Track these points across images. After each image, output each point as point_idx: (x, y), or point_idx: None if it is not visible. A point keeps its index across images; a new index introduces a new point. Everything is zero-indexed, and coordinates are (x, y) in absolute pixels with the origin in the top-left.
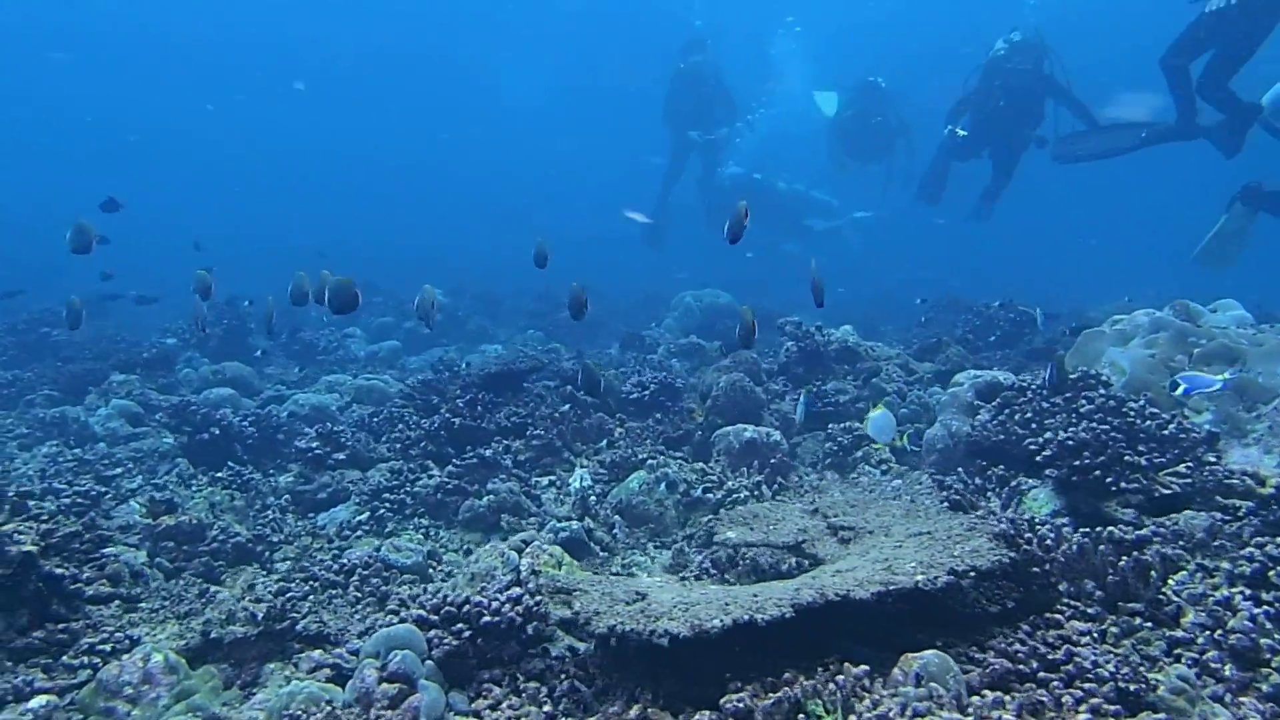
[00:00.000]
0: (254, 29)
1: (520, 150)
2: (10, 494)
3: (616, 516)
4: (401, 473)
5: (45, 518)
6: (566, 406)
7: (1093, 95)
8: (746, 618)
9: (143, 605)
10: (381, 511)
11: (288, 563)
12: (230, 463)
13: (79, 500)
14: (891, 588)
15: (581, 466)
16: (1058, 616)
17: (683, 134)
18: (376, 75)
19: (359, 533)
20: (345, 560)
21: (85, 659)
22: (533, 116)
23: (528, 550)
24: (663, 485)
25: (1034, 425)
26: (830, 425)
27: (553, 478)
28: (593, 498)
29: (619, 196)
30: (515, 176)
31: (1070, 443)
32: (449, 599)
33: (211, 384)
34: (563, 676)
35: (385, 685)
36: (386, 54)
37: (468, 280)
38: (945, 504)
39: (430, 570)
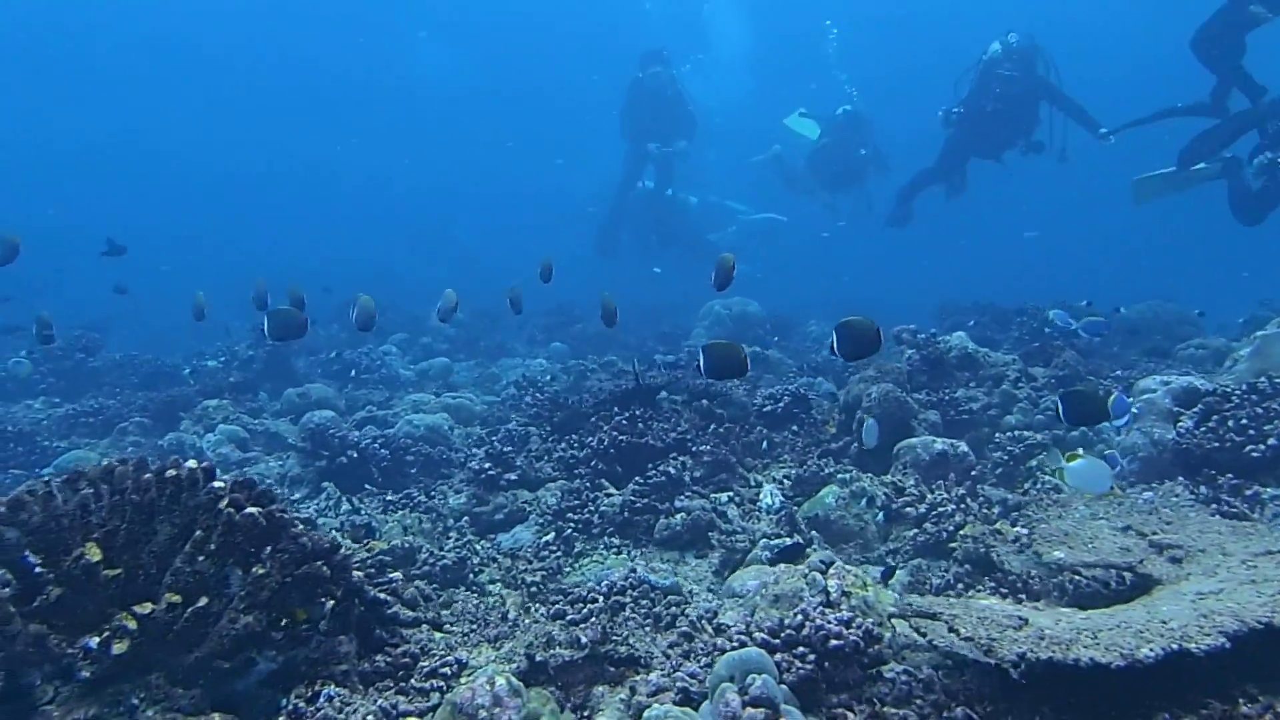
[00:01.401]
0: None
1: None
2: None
3: (814, 533)
4: (579, 492)
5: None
6: (728, 424)
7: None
8: (1176, 646)
9: (452, 629)
10: (569, 532)
11: (496, 584)
12: (367, 485)
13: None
14: None
15: (770, 482)
16: None
17: (640, 145)
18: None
19: (557, 553)
20: (609, 581)
21: (430, 683)
22: (454, 114)
23: (832, 572)
24: (862, 500)
25: (1252, 431)
26: (997, 435)
27: (730, 494)
28: (796, 514)
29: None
30: (429, 181)
31: None
32: (787, 622)
33: (299, 407)
34: (920, 702)
35: (751, 710)
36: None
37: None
38: (1216, 515)
39: (682, 590)
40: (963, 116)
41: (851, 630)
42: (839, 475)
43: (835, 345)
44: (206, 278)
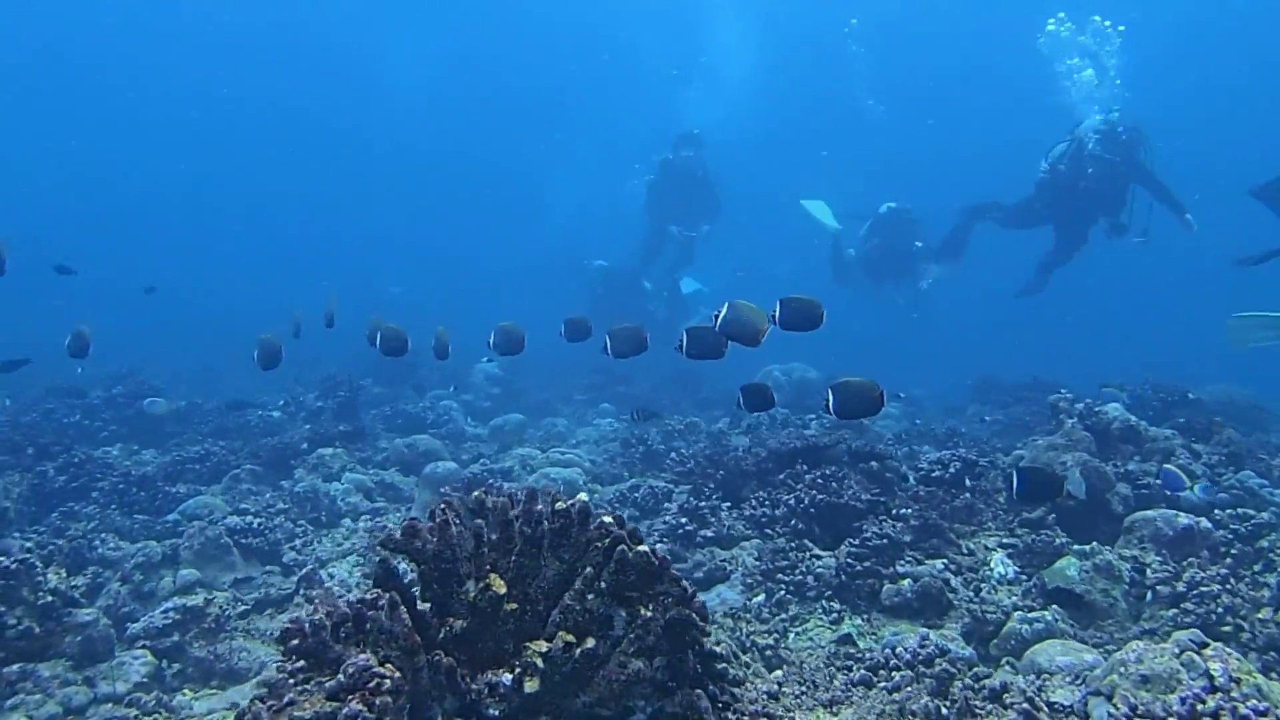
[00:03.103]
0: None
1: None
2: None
3: (1055, 607)
4: (785, 552)
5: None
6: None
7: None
8: None
9: (783, 690)
10: (780, 594)
11: (721, 645)
12: None
13: None
14: None
15: (998, 550)
16: None
17: (662, 226)
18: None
19: (780, 615)
20: (908, 648)
21: None
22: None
23: (1212, 652)
24: (1111, 574)
25: None
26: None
27: (945, 561)
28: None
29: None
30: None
31: None
32: (1181, 707)
33: (408, 459)
34: None
35: None
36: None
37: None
38: None
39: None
40: (1052, 185)
41: None
42: (1074, 546)
43: (831, 404)
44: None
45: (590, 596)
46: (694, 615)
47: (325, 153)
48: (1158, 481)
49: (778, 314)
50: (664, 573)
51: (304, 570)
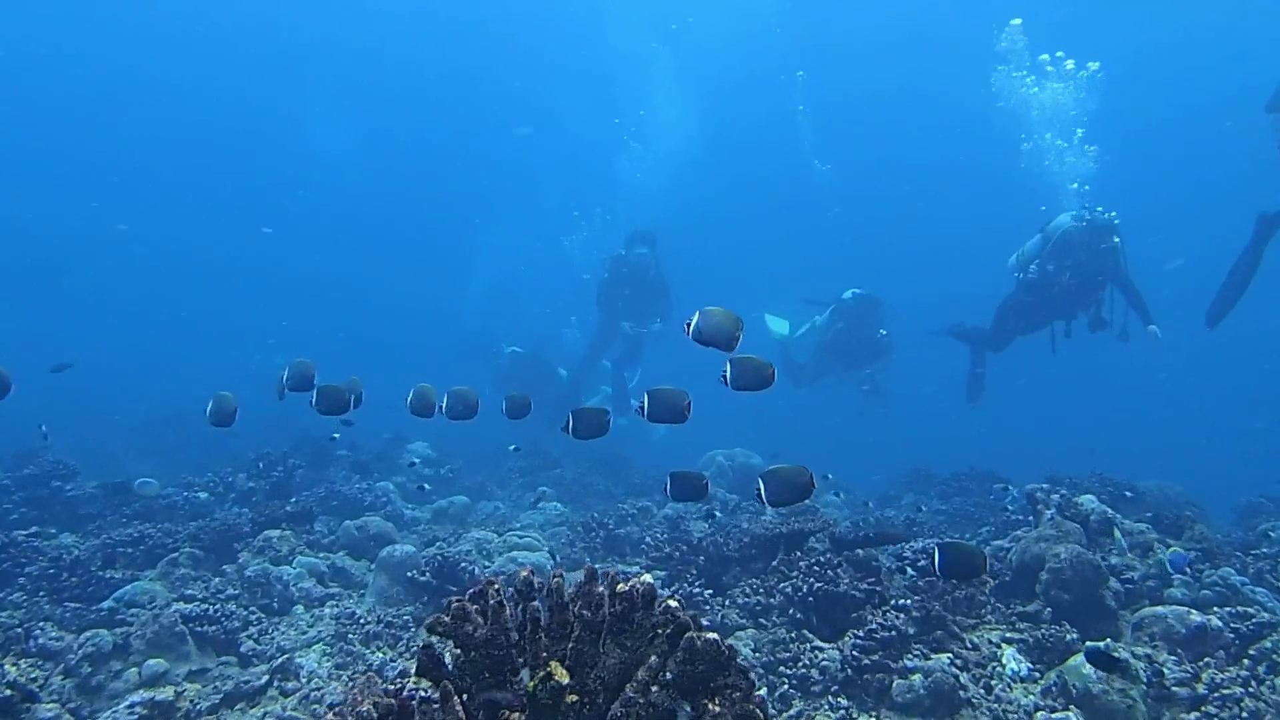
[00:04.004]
0: None
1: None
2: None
3: (1073, 708)
4: (785, 643)
5: None
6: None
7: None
8: None
9: None
10: (783, 689)
11: None
12: None
13: None
14: None
15: (1008, 645)
16: None
17: (614, 322)
18: None
19: (787, 713)
20: None
21: None
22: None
23: None
24: (1123, 675)
25: None
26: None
27: (950, 655)
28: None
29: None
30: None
31: None
32: None
33: (358, 540)
34: None
35: None
36: None
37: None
38: None
39: None
40: (1034, 284)
41: None
42: (1088, 644)
43: (763, 492)
44: None
45: (654, 689)
46: (758, 712)
47: (246, 217)
48: (1154, 572)
49: (728, 374)
50: (731, 663)
51: (277, 661)
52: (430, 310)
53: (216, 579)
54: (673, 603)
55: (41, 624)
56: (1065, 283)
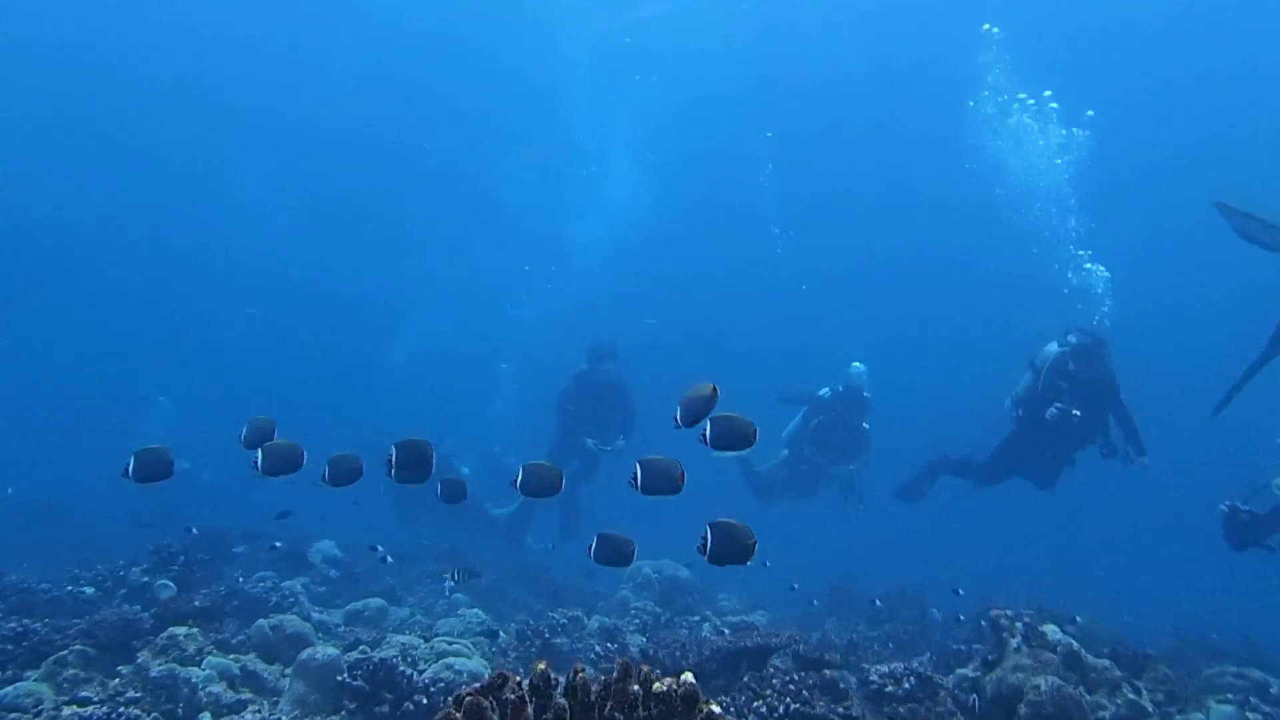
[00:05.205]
0: None
1: None
2: None
3: None
4: None
5: None
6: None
7: None
8: None
9: None
10: None
11: None
12: None
13: None
14: None
15: None
16: None
17: (575, 437)
18: None
19: None
20: None
21: None
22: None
23: None
24: None
25: None
26: None
27: None
28: None
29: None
30: None
31: None
32: None
33: (272, 641)
34: None
35: None
36: None
37: None
38: None
39: None
40: (1050, 424)
41: None
42: None
43: (707, 545)
44: None
45: None
46: None
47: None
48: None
49: (708, 433)
50: None
51: None
52: (349, 374)
53: (115, 680)
54: (715, 708)
55: None
56: (1075, 419)
